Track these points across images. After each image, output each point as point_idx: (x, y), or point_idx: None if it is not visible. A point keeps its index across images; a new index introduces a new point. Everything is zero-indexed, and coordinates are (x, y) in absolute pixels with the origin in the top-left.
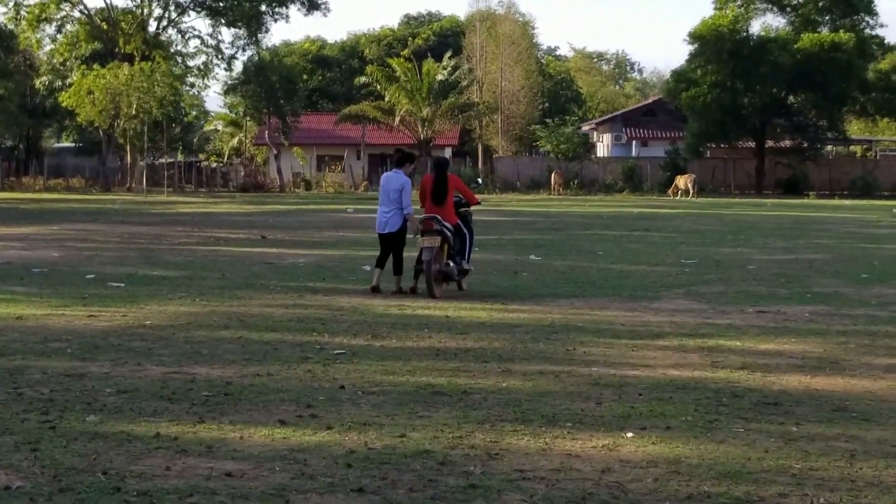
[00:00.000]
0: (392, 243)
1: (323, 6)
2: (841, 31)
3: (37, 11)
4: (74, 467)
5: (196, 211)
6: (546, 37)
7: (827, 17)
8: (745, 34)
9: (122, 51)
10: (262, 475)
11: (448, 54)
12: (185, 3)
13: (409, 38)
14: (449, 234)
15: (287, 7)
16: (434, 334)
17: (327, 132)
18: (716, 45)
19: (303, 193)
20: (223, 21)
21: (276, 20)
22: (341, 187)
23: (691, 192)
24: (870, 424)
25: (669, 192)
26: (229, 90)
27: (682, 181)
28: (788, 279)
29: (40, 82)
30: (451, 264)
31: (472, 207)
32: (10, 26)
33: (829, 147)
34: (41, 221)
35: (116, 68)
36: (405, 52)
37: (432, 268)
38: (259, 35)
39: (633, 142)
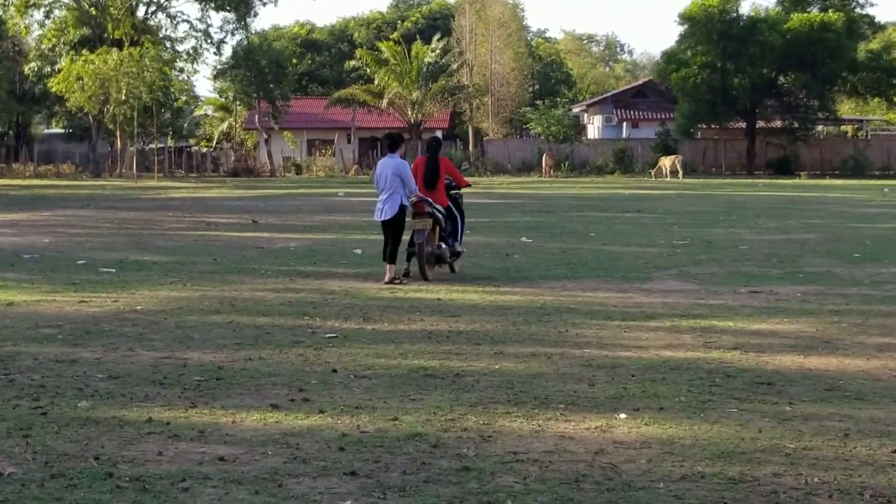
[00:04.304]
0: (391, 229)
1: None
2: (830, 10)
3: None
4: (66, 453)
5: (186, 196)
6: (535, 19)
7: None
8: (734, 15)
9: (111, 36)
10: (254, 459)
11: (437, 37)
12: None
13: (399, 22)
14: (440, 216)
15: None
16: (426, 317)
17: (317, 116)
18: (706, 26)
19: (293, 177)
20: (212, 5)
21: (264, 4)
22: (332, 171)
23: (680, 172)
24: (863, 403)
25: (652, 172)
26: (219, 75)
27: (667, 162)
28: (780, 259)
29: (29, 68)
30: (444, 246)
31: (462, 190)
32: None
33: (819, 127)
34: (31, 208)
35: (105, 54)
36: (394, 36)
37: (424, 250)
38: (248, 19)
39: (624, 123)
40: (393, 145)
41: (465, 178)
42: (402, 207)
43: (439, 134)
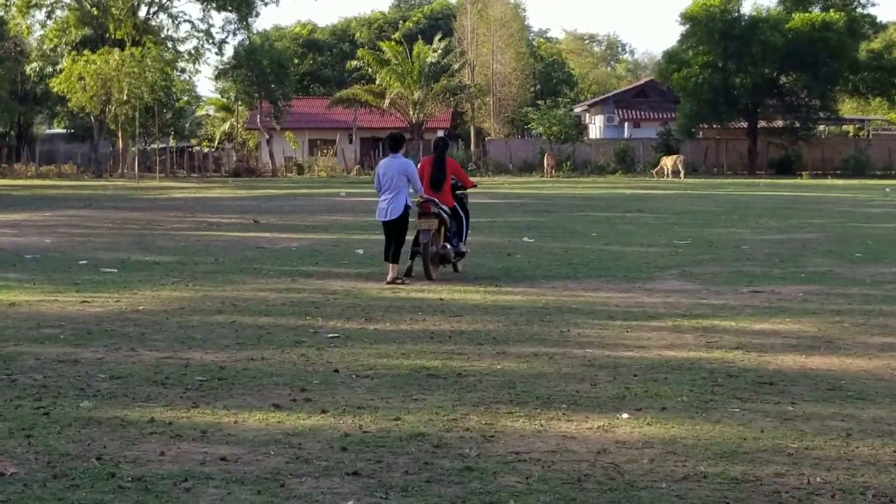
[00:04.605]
0: (395, 229)
1: None
2: (832, 10)
3: None
4: (69, 453)
5: (188, 196)
6: (537, 19)
7: None
8: (736, 14)
9: (113, 36)
10: (256, 459)
11: (439, 37)
12: None
13: (400, 21)
14: (446, 216)
15: None
16: (428, 317)
17: (319, 116)
18: (707, 26)
19: (295, 178)
20: (214, 5)
21: (266, 4)
22: (333, 171)
23: (681, 172)
24: (865, 403)
25: (654, 172)
26: (220, 75)
27: (668, 161)
28: (782, 259)
29: (31, 69)
30: (448, 246)
31: (468, 190)
32: (0, 13)
33: (821, 127)
34: (33, 208)
35: (107, 54)
36: (396, 36)
37: (429, 250)
38: (250, 19)
39: (626, 123)
40: (395, 146)
41: (471, 179)
42: (407, 208)
43: (441, 134)
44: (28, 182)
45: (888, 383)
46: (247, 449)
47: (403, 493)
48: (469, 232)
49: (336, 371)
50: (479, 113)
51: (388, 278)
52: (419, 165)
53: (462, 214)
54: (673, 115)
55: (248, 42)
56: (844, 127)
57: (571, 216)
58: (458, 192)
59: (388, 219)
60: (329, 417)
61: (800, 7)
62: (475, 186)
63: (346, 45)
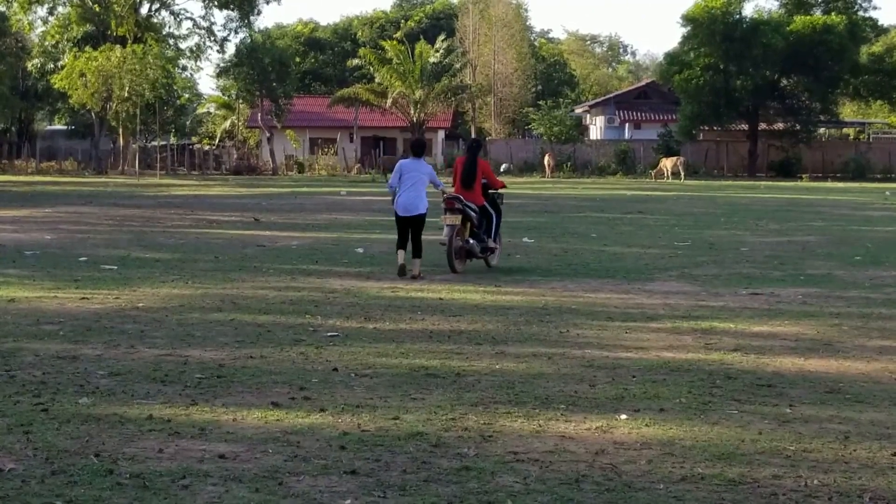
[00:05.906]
0: (414, 226)
1: None
2: (833, 13)
3: None
4: (67, 450)
5: (189, 194)
6: (539, 19)
7: (819, 0)
8: (737, 17)
9: (115, 33)
10: (255, 457)
11: (441, 37)
12: None
13: (402, 21)
14: (472, 213)
15: None
16: (427, 317)
17: (320, 115)
18: (709, 28)
19: (295, 176)
20: (215, 3)
21: (268, 2)
22: (334, 170)
23: (681, 174)
24: (863, 406)
25: (653, 174)
26: (222, 72)
27: (668, 163)
28: (782, 261)
29: (32, 65)
30: (472, 241)
31: (501, 190)
32: (2, 8)
33: (821, 130)
34: (34, 204)
35: (108, 51)
36: (398, 35)
37: (454, 244)
38: (251, 17)
39: (626, 124)
40: (419, 151)
41: (500, 180)
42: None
43: (441, 133)
44: (28, 178)
45: (886, 386)
46: (245, 447)
47: (401, 493)
48: (500, 229)
49: (335, 370)
50: (480, 113)
51: (415, 272)
52: (454, 165)
53: (492, 212)
54: (674, 117)
55: (249, 40)
56: (845, 130)
57: (571, 217)
58: (491, 191)
59: (408, 214)
60: (327, 416)
61: (801, 10)
62: (504, 187)
63: (347, 43)
